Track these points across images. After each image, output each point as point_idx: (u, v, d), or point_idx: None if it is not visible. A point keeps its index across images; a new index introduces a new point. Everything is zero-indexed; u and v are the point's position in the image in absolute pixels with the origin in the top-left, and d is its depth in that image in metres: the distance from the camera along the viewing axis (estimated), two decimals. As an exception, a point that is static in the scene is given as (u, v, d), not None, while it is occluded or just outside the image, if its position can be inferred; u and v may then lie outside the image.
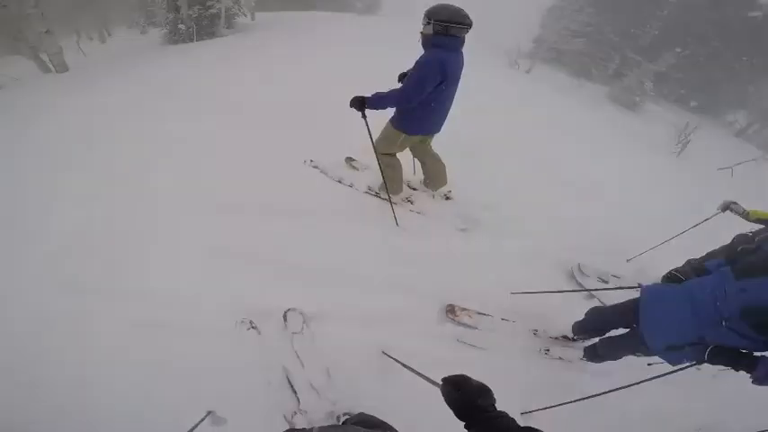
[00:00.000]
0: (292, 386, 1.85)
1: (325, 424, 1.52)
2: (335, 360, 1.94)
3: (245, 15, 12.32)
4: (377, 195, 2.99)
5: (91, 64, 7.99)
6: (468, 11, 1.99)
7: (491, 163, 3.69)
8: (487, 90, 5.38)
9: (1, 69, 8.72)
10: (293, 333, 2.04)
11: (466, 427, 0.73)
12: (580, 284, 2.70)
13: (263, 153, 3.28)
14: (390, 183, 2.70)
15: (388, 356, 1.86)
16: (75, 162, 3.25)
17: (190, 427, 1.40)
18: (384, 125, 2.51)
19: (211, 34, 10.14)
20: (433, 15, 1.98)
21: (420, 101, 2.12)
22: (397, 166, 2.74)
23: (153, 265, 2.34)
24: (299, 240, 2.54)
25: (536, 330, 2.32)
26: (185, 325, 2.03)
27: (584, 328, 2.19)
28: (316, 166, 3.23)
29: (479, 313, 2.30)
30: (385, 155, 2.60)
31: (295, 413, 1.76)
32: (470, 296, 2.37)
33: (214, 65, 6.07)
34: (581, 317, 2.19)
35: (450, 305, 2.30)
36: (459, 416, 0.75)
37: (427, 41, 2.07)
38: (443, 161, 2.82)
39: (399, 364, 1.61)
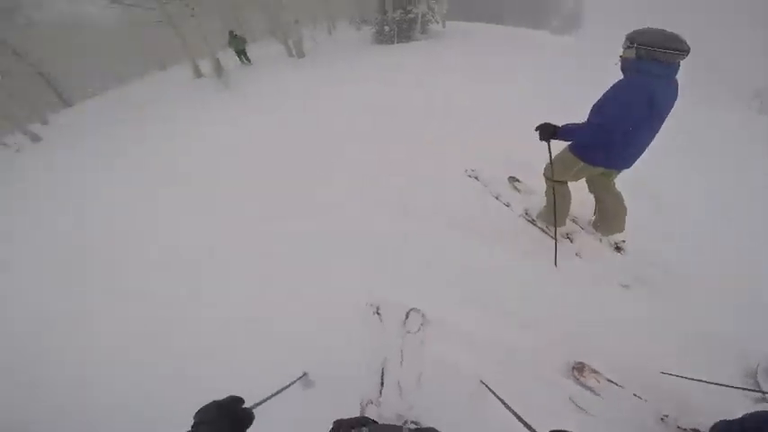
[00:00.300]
0: (382, 378, 1.92)
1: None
2: (432, 370, 1.93)
3: (437, 23, 13.40)
4: (532, 222, 2.77)
5: (320, 51, 10.03)
6: (697, 34, 1.70)
7: (683, 216, 2.94)
8: (708, 131, 4.13)
9: (260, 50, 12.07)
10: (407, 332, 2.11)
11: None
12: (758, 384, 2.20)
13: (425, 157, 3.65)
14: (551, 213, 2.42)
15: (486, 386, 1.74)
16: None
17: (287, 383, 1.45)
18: (562, 147, 2.23)
19: (408, 38, 11.43)
20: (636, 38, 1.71)
21: (606, 127, 1.83)
22: (567, 197, 2.44)
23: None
24: (445, 249, 2.60)
25: (666, 416, 2.07)
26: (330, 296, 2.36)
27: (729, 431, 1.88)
28: (476, 177, 3.30)
29: (610, 381, 2.03)
30: (555, 181, 2.31)
31: (370, 402, 1.82)
32: (608, 359, 2.07)
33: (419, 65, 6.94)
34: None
35: (581, 363, 2.04)
36: None
37: (628, 66, 1.78)
38: (626, 204, 2.33)
39: (495, 397, 1.52)
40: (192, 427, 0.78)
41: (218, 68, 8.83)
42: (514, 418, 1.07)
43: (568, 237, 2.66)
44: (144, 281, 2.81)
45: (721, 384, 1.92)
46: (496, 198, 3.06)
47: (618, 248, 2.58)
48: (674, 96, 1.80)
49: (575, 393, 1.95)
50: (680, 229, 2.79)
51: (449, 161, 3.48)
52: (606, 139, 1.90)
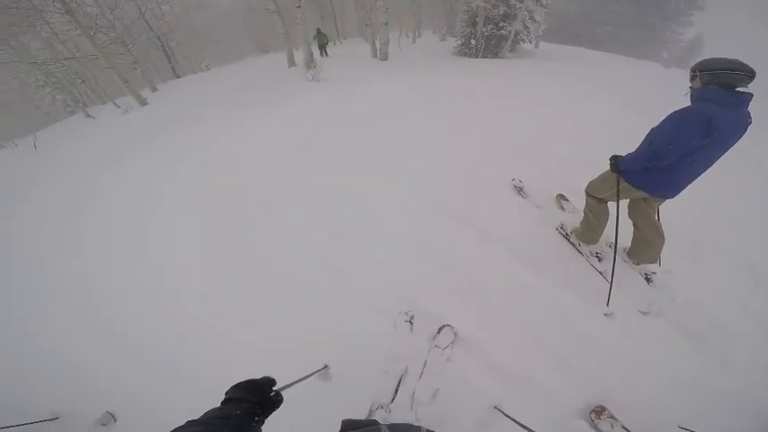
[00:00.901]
0: (398, 385, 1.94)
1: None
2: (449, 388, 1.93)
3: (530, 42, 12.88)
4: (566, 237, 2.73)
5: (403, 57, 10.24)
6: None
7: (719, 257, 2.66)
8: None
9: (347, 48, 12.62)
10: (435, 346, 2.11)
11: None
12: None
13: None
14: (587, 230, 2.49)
15: (501, 412, 1.77)
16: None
17: (307, 373, 1.47)
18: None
19: (494, 54, 11.15)
20: (699, 67, 1.77)
21: (661, 156, 1.81)
22: (603, 216, 2.42)
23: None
24: (490, 270, 2.52)
25: None
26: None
27: None
28: (521, 189, 3.27)
29: (625, 429, 1.93)
30: (594, 198, 2.38)
31: (380, 407, 1.84)
32: (628, 405, 1.96)
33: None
34: None
35: (601, 407, 1.98)
36: None
37: (695, 96, 1.80)
38: (665, 237, 2.25)
39: (510, 420, 1.61)
40: (222, 402, 0.81)
41: (310, 61, 9.41)
42: None
43: (597, 255, 2.60)
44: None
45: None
46: (537, 207, 3.11)
47: (648, 279, 2.47)
48: (743, 128, 1.74)
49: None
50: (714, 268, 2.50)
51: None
52: (653, 167, 1.91)
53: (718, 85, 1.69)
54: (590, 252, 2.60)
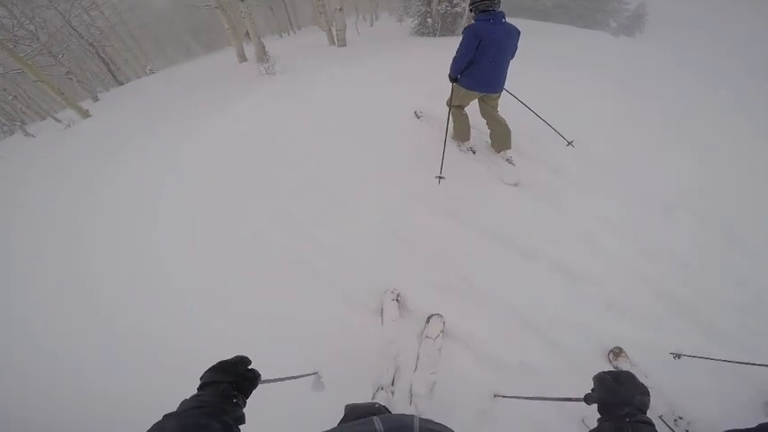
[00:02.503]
0: (393, 383, 1.91)
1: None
2: (445, 380, 1.92)
3: (486, 18, 12.90)
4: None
5: (362, 42, 9.85)
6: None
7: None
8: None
9: (301, 37, 12.06)
10: (426, 336, 2.09)
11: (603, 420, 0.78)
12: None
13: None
14: (459, 131, 3.29)
15: (502, 396, 1.81)
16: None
17: (297, 374, 1.39)
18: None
19: (452, 32, 11.04)
20: (469, 7, 2.81)
21: (465, 60, 2.70)
22: (461, 117, 3.22)
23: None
24: (481, 261, 2.55)
25: (680, 418, 1.83)
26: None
27: None
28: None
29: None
30: (454, 106, 3.14)
31: (381, 388, 1.86)
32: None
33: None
34: None
35: (619, 348, 2.05)
36: (606, 410, 0.79)
37: (474, 22, 2.68)
38: (509, 127, 3.13)
39: (513, 399, 1.65)
40: (198, 388, 0.79)
41: (263, 54, 8.91)
42: None
43: (471, 149, 3.39)
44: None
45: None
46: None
47: (510, 162, 3.24)
48: (509, 34, 2.68)
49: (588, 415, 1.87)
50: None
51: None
52: (468, 70, 2.78)
53: (480, 12, 2.62)
54: (468, 148, 3.40)
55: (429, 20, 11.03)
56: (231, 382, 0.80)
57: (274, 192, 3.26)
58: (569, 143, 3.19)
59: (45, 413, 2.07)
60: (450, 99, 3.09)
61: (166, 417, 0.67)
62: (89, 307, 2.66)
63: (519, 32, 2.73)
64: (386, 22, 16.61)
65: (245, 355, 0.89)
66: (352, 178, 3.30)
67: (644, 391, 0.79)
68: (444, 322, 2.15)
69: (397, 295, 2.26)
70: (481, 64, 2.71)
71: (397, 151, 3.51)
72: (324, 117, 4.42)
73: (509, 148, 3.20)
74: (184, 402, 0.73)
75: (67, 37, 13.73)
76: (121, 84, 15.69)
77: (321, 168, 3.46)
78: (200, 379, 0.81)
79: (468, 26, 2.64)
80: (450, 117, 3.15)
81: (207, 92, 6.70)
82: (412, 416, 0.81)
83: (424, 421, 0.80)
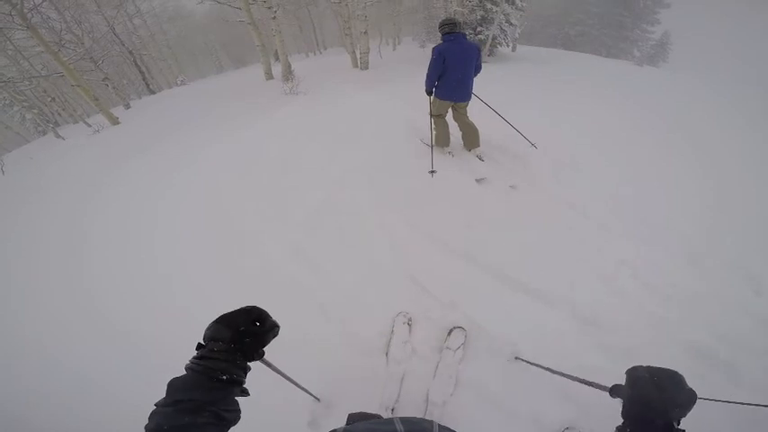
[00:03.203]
0: (394, 405, 1.88)
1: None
2: (461, 387, 1.93)
3: (508, 46, 13.01)
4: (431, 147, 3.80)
5: (383, 66, 10.10)
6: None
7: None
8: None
9: (327, 58, 12.42)
10: (447, 347, 2.09)
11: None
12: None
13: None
14: (440, 138, 3.79)
15: (523, 360, 1.90)
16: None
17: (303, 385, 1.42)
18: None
19: (473, 59, 11.19)
20: (438, 29, 3.30)
21: (436, 75, 3.25)
22: (442, 124, 3.73)
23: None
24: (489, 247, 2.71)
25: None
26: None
27: None
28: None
29: None
30: (434, 116, 3.67)
31: (386, 409, 1.83)
32: None
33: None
34: None
35: None
36: (632, 419, 0.66)
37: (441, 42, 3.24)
38: (476, 128, 3.72)
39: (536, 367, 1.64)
40: (205, 342, 0.69)
41: (288, 73, 9.21)
42: None
43: (449, 152, 3.87)
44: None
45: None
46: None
47: (480, 158, 3.78)
48: (468, 52, 3.17)
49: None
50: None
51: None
52: (439, 84, 3.34)
53: (445, 34, 3.18)
54: (448, 152, 3.87)
55: (452, 46, 11.23)
56: (229, 341, 0.66)
57: (284, 218, 3.28)
58: (532, 144, 3.91)
59: (44, 413, 2.04)
60: (432, 109, 3.62)
61: (155, 407, 0.59)
62: (90, 306, 2.69)
63: (478, 49, 3.28)
64: (408, 47, 16.98)
65: (254, 305, 0.73)
66: (364, 204, 3.31)
67: (686, 403, 0.62)
68: (466, 336, 2.15)
69: (409, 319, 2.26)
70: (449, 77, 3.26)
71: (410, 182, 3.50)
72: (340, 140, 4.49)
73: (478, 146, 3.76)
74: (171, 384, 0.62)
75: (110, 43, 14.59)
76: (153, 92, 16.45)
77: (330, 194, 3.48)
78: (205, 332, 0.69)
79: (435, 47, 3.19)
80: (433, 125, 3.74)
81: (231, 108, 6.93)
82: (431, 421, 0.78)
83: (443, 428, 0.75)
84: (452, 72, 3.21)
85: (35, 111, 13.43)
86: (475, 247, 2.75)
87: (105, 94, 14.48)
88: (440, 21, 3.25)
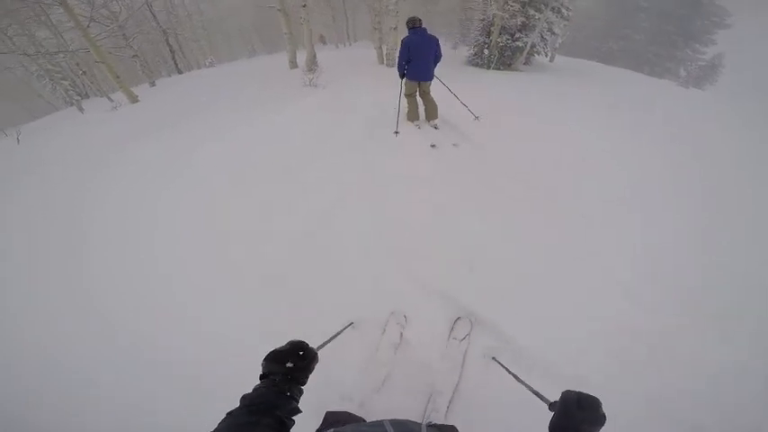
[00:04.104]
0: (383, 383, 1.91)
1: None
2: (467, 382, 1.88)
3: (546, 55, 12.28)
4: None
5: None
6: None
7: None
8: None
9: (354, 51, 12.05)
10: (453, 338, 2.08)
11: None
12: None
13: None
14: (410, 113, 4.71)
15: (499, 363, 1.79)
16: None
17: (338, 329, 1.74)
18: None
19: (507, 66, 10.56)
20: (407, 24, 4.02)
21: (406, 61, 4.06)
22: (414, 104, 4.65)
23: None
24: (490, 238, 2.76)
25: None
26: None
27: None
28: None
29: None
30: (407, 95, 4.55)
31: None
32: None
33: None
34: None
35: None
36: (556, 427, 0.77)
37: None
38: (436, 103, 4.58)
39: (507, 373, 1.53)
40: (259, 378, 0.82)
41: (312, 63, 8.89)
42: None
43: (417, 125, 4.74)
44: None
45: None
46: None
47: (436, 127, 4.68)
48: (428, 42, 4.00)
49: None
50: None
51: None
52: (407, 67, 4.14)
53: (410, 29, 3.96)
54: (416, 125, 4.73)
55: (486, 51, 10.61)
56: (283, 374, 0.81)
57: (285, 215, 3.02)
58: (476, 117, 4.86)
59: (44, 413, 1.99)
60: (402, 90, 4.53)
61: (228, 415, 0.72)
62: (87, 302, 2.58)
63: (437, 40, 4.07)
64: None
65: (298, 340, 0.89)
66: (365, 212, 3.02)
67: (595, 422, 0.74)
68: (472, 323, 2.14)
69: (403, 317, 2.19)
70: (414, 63, 4.10)
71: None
72: (344, 147, 4.20)
73: (436, 118, 4.67)
74: (244, 397, 0.76)
75: (144, 20, 14.68)
76: (181, 72, 16.54)
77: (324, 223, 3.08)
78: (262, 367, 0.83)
79: (402, 39, 4.02)
80: (405, 101, 4.64)
81: (249, 95, 6.70)
82: (419, 423, 0.87)
83: (431, 428, 0.85)
84: (416, 58, 4.06)
85: (67, 82, 13.65)
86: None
87: (133, 70, 14.57)
88: (407, 18, 4.03)
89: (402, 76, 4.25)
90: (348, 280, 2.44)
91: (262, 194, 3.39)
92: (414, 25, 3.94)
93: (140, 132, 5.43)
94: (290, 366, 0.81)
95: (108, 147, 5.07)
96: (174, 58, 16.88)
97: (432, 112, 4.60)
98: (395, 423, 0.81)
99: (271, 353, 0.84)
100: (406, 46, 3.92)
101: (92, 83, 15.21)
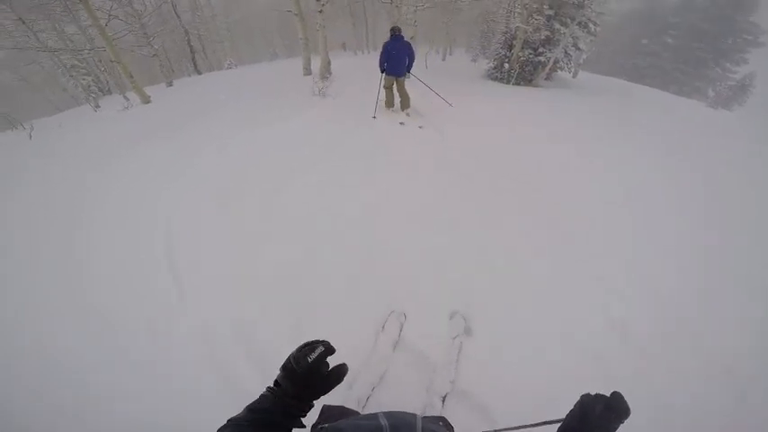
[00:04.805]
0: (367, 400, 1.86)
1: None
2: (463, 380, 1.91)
3: (569, 71, 11.86)
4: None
5: (427, 77, 9.40)
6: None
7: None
8: None
9: (372, 59, 11.85)
10: (449, 336, 2.11)
11: None
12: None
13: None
14: (387, 102, 5.89)
15: None
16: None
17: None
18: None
19: (528, 81, 10.20)
20: (390, 31, 5.19)
21: (384, 61, 5.25)
22: (391, 94, 5.81)
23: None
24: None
25: None
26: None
27: None
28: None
29: None
30: (385, 88, 5.72)
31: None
32: None
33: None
34: None
35: None
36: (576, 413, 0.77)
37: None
38: (409, 96, 5.74)
39: None
40: (274, 383, 0.75)
41: (326, 71, 8.72)
42: None
43: (393, 111, 5.91)
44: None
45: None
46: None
47: (408, 114, 5.76)
48: (403, 47, 5.13)
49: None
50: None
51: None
52: (387, 66, 5.34)
53: (391, 36, 5.13)
54: (392, 110, 5.90)
55: (506, 65, 10.28)
56: (294, 396, 0.73)
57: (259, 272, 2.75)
58: (450, 105, 6.14)
59: (44, 413, 1.95)
60: (382, 83, 5.64)
61: (228, 421, 0.70)
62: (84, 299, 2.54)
63: (410, 44, 5.14)
64: (458, 59, 16.07)
65: (328, 346, 0.76)
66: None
67: (618, 417, 0.72)
68: (465, 321, 2.17)
69: (403, 318, 2.21)
70: (390, 62, 5.19)
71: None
72: (345, 160, 3.95)
73: (409, 107, 5.73)
74: (249, 408, 0.73)
75: (169, 18, 14.87)
76: (200, 73, 16.70)
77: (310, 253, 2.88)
78: (280, 371, 0.76)
79: (384, 43, 5.11)
80: (384, 91, 5.74)
81: (259, 101, 6.59)
82: (414, 414, 0.85)
83: (426, 420, 0.83)
84: (392, 59, 5.16)
85: (90, 77, 13.91)
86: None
87: (152, 69, 14.76)
88: (390, 26, 5.20)
89: (382, 71, 5.38)
90: (348, 280, 2.49)
91: (255, 200, 3.36)
92: (394, 33, 5.02)
93: (142, 135, 5.31)
94: (306, 390, 0.73)
95: (112, 147, 4.98)
96: (193, 58, 17.07)
97: (405, 102, 5.72)
98: (389, 415, 0.80)
99: (288, 363, 0.74)
100: (385, 48, 5.10)
101: (113, 80, 15.48)
